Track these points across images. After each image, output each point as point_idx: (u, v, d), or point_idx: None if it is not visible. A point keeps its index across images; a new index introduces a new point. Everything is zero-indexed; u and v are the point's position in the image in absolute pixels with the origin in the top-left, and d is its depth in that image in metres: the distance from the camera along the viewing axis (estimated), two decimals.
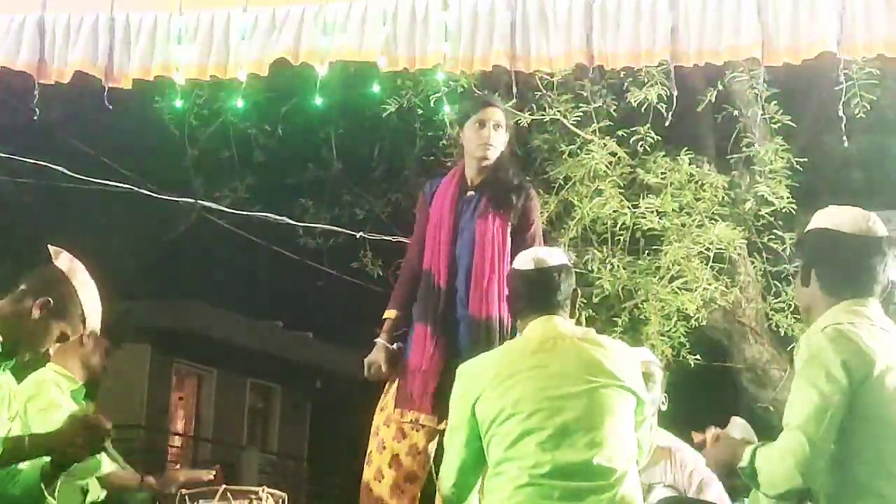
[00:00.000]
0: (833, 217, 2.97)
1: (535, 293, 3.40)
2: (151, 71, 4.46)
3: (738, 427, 2.96)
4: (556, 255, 3.49)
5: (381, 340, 4.24)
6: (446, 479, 3.41)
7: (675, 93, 4.29)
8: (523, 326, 3.42)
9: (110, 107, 4.42)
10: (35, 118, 4.44)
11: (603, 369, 3.24)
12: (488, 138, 4.19)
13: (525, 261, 3.48)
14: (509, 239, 4.15)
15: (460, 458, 3.34)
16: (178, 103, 4.96)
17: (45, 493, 3.17)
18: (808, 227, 3.01)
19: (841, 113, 4.14)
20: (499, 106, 4.31)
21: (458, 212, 4.20)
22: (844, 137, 4.20)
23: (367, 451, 4.16)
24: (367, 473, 4.13)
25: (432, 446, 4.10)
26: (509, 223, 4.17)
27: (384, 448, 4.11)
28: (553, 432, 3.16)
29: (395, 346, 4.22)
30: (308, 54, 4.32)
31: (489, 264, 4.09)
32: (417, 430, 4.09)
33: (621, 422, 3.22)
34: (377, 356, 4.22)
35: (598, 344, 3.32)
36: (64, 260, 3.23)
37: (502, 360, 3.34)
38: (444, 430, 3.87)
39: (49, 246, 3.28)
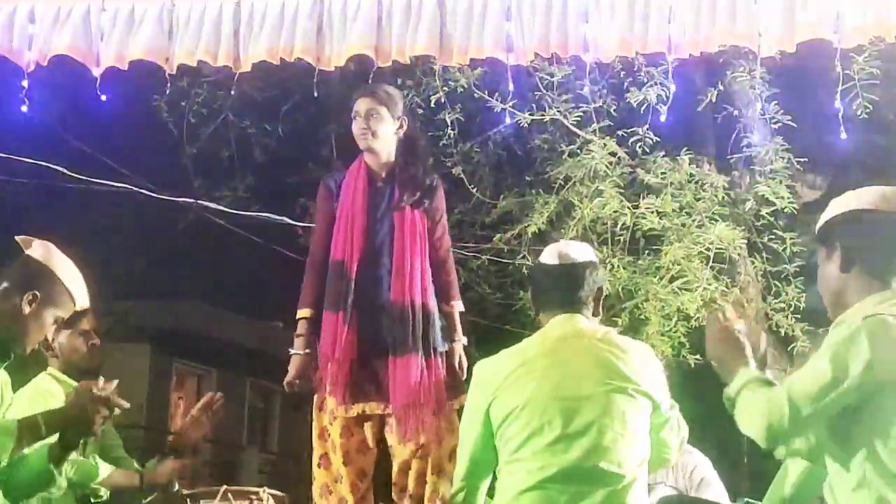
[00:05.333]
0: (869, 197, 2.80)
1: (558, 288, 3.35)
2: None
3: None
4: (582, 251, 3.43)
5: (296, 352, 4.24)
6: (458, 473, 3.40)
7: (674, 87, 4.27)
8: (545, 321, 3.37)
9: (103, 97, 4.45)
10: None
11: (618, 372, 3.19)
12: (362, 129, 4.18)
13: (550, 255, 3.41)
14: (427, 228, 4.20)
15: (473, 454, 3.33)
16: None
17: (55, 474, 3.14)
18: (840, 210, 2.82)
19: (838, 103, 4.12)
20: (372, 94, 4.22)
21: (371, 203, 4.20)
22: (842, 127, 4.16)
23: (319, 454, 4.13)
24: (323, 477, 4.11)
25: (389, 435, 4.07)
26: (426, 213, 4.22)
27: (337, 448, 4.09)
28: (562, 434, 3.12)
29: (307, 350, 4.22)
30: (303, 51, 4.32)
31: (410, 251, 4.12)
32: (362, 425, 4.09)
33: (633, 426, 3.17)
34: (298, 369, 4.22)
35: (615, 345, 3.26)
36: (37, 248, 3.23)
37: (518, 358, 3.29)
38: (389, 415, 4.00)
39: (16, 237, 3.27)
